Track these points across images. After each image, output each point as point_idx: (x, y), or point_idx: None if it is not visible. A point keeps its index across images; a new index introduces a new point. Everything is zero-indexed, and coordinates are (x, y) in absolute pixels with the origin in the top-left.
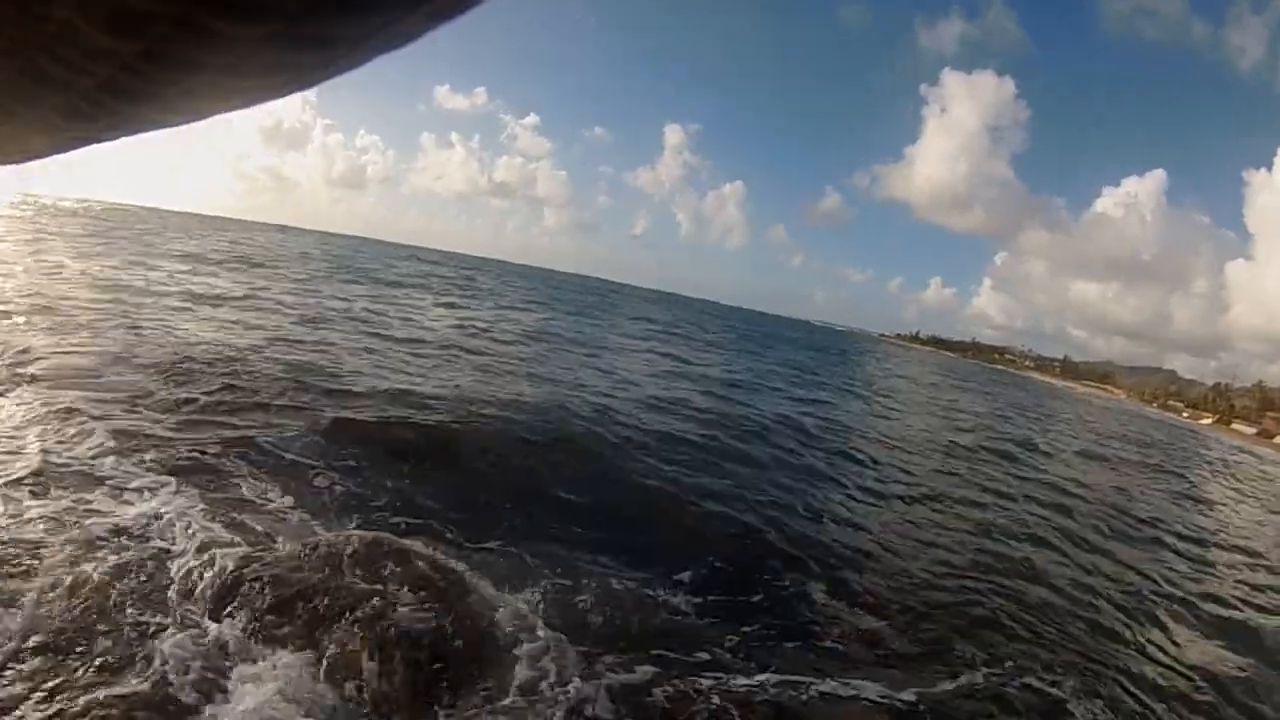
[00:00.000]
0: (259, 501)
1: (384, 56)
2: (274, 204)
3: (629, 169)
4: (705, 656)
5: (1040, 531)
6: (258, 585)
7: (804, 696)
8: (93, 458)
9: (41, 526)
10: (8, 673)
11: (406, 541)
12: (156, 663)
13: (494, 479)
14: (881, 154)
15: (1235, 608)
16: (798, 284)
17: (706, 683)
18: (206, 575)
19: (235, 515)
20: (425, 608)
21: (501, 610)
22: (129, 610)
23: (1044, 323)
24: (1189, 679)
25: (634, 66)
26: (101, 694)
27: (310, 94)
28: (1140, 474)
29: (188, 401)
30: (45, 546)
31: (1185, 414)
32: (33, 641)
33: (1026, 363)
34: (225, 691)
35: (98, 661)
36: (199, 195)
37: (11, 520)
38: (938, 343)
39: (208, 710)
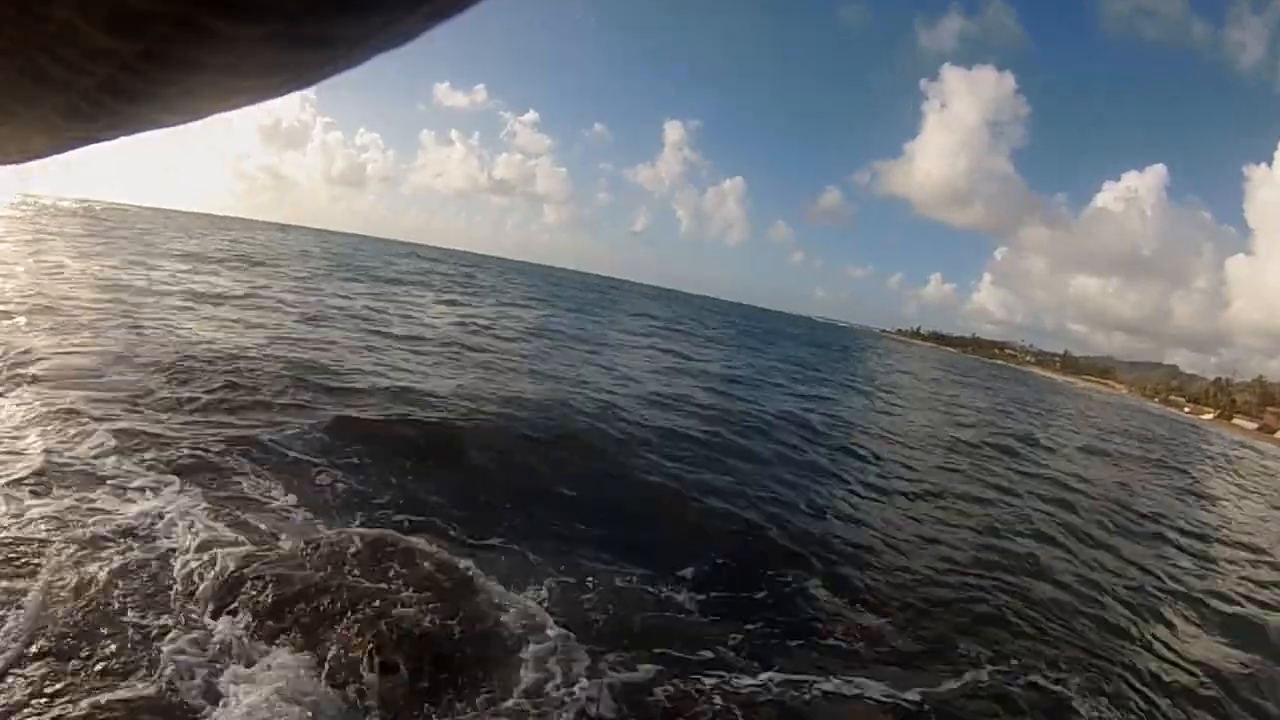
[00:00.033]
0: (262, 500)
1: (383, 55)
2: (274, 202)
3: (629, 165)
4: (709, 655)
5: (1043, 527)
6: (260, 584)
7: (807, 696)
8: (95, 457)
9: (44, 526)
10: (11, 673)
11: (410, 539)
12: (159, 664)
13: (496, 476)
14: (881, 150)
15: (1238, 604)
16: (798, 280)
17: (710, 682)
18: (209, 574)
19: (238, 513)
20: (429, 606)
21: (506, 608)
22: (132, 610)
23: (1044, 318)
24: (1193, 675)
25: (634, 64)
26: (104, 697)
27: (310, 92)
28: (1142, 469)
29: (189, 400)
30: (48, 545)
31: (1186, 409)
32: (36, 641)
33: (1027, 358)
34: (227, 692)
35: (100, 662)
36: (199, 195)
37: (14, 520)
38: (939, 338)
39: (209, 711)
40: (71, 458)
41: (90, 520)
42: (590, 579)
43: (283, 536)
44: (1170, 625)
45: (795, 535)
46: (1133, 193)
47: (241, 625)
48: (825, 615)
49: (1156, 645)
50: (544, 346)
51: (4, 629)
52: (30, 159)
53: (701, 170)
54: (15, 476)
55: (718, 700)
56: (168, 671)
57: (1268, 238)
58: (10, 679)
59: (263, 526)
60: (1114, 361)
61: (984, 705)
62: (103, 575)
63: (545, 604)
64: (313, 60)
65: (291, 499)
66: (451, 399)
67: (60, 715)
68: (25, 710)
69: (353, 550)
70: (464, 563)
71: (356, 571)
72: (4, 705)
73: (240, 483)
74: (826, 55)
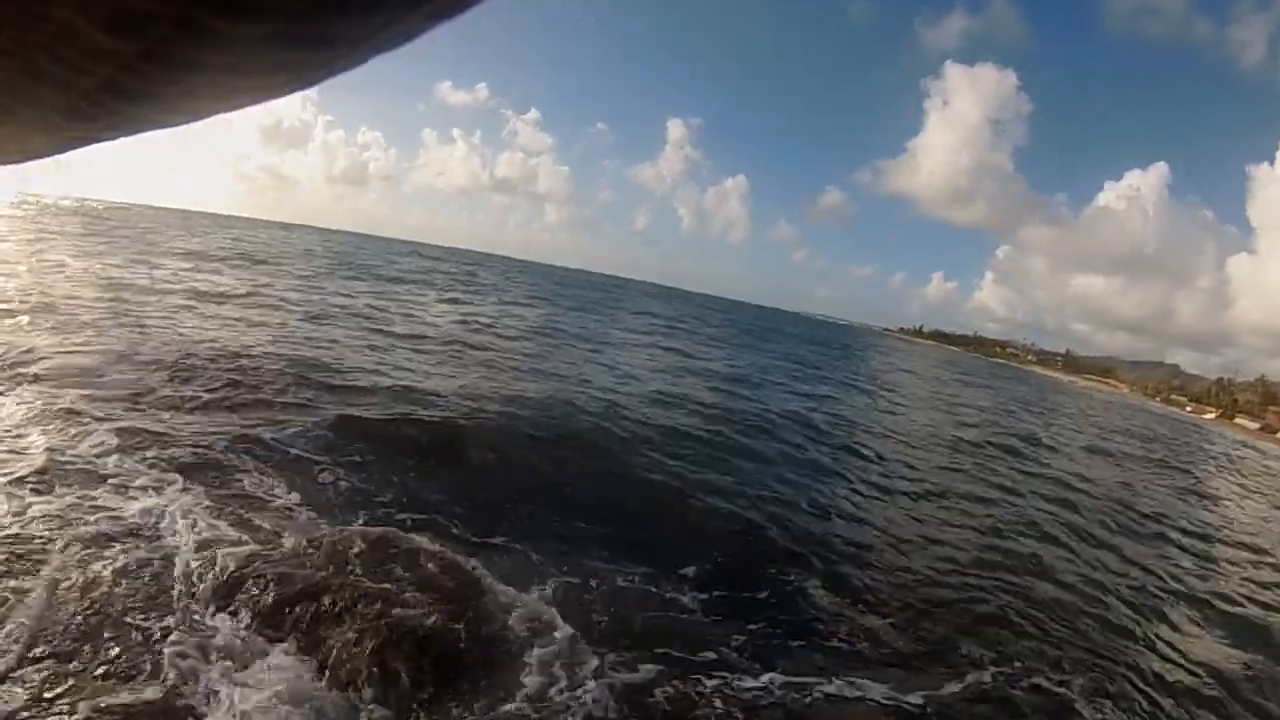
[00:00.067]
0: (264, 498)
1: (384, 54)
2: (276, 201)
3: (631, 164)
4: (711, 656)
5: (1046, 527)
6: (262, 583)
7: (809, 698)
8: (97, 455)
9: (46, 524)
10: (14, 673)
11: (413, 538)
12: (161, 665)
13: (499, 474)
14: (883, 148)
15: (1241, 604)
16: (800, 279)
17: (712, 683)
18: (211, 573)
19: (240, 512)
20: (432, 606)
21: (510, 609)
22: (134, 610)
23: (1046, 317)
24: (1196, 675)
25: (635, 62)
26: (105, 700)
27: (311, 91)
28: (1144, 469)
29: (192, 399)
30: (51, 544)
31: (1188, 408)
32: (38, 641)
33: (1029, 357)
34: (228, 693)
35: (102, 663)
36: (200, 194)
37: (16, 518)
38: (941, 337)
39: (210, 713)
40: (73, 456)
41: (92, 518)
42: (593, 579)
43: (285, 535)
44: (1173, 626)
45: (797, 535)
46: (1135, 191)
47: (243, 625)
48: (827, 616)
49: (1159, 646)
50: (546, 345)
51: (5, 629)
52: (30, 159)
53: (703, 169)
54: (18, 475)
55: (719, 703)
56: (170, 674)
57: (1270, 237)
58: (12, 680)
59: (265, 525)
60: (1116, 361)
61: (987, 708)
62: (105, 574)
63: (549, 604)
64: (313, 60)
65: (294, 497)
66: (454, 398)
67: (62, 715)
68: (28, 707)
69: (355, 549)
70: (467, 562)
71: (359, 571)
72: (6, 707)
73: (242, 481)
74: (829, 53)
